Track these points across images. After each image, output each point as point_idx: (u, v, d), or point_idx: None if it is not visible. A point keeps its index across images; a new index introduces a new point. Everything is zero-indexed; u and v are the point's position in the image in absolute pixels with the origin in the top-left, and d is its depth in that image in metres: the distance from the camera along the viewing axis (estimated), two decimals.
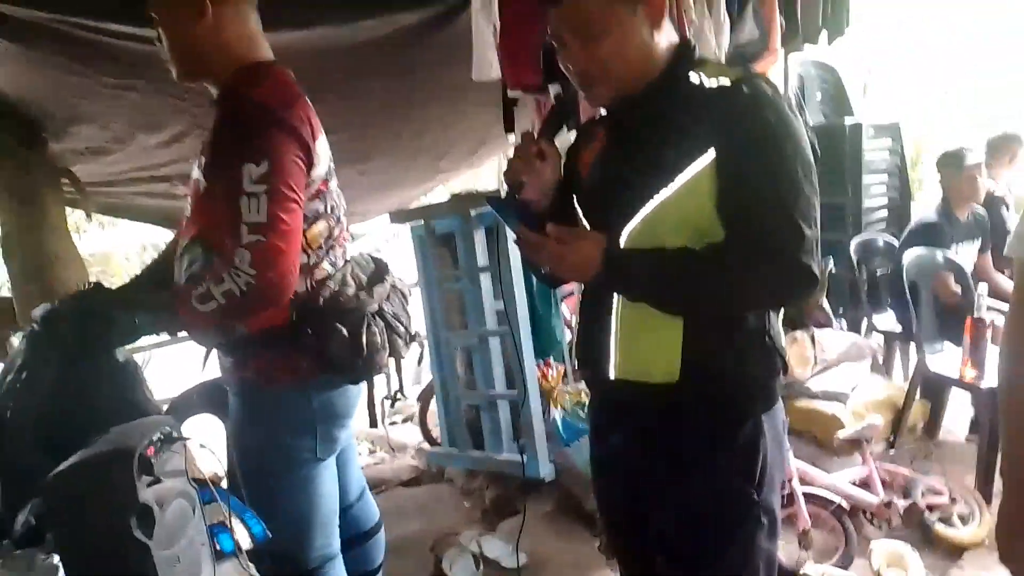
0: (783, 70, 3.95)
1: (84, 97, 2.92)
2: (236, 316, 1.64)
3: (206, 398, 2.27)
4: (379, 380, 4.20)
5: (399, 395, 2.50)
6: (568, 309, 3.83)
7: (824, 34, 3.90)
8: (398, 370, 2.12)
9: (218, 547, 1.47)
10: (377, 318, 1.79)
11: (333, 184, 1.77)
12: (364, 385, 1.93)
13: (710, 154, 1.26)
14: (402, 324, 1.87)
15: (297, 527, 1.79)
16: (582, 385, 3.37)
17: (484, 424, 3.37)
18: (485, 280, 3.29)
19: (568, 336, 3.68)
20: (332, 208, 1.76)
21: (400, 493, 3.61)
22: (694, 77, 1.34)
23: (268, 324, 1.69)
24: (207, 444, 1.57)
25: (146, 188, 4.07)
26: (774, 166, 1.25)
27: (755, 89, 1.27)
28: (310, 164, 1.63)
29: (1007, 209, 4.26)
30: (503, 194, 1.54)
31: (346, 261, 1.84)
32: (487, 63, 2.92)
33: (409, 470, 3.91)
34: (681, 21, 2.68)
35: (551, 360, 3.34)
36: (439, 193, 5.96)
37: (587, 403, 3.19)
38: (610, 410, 1.54)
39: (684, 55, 1.39)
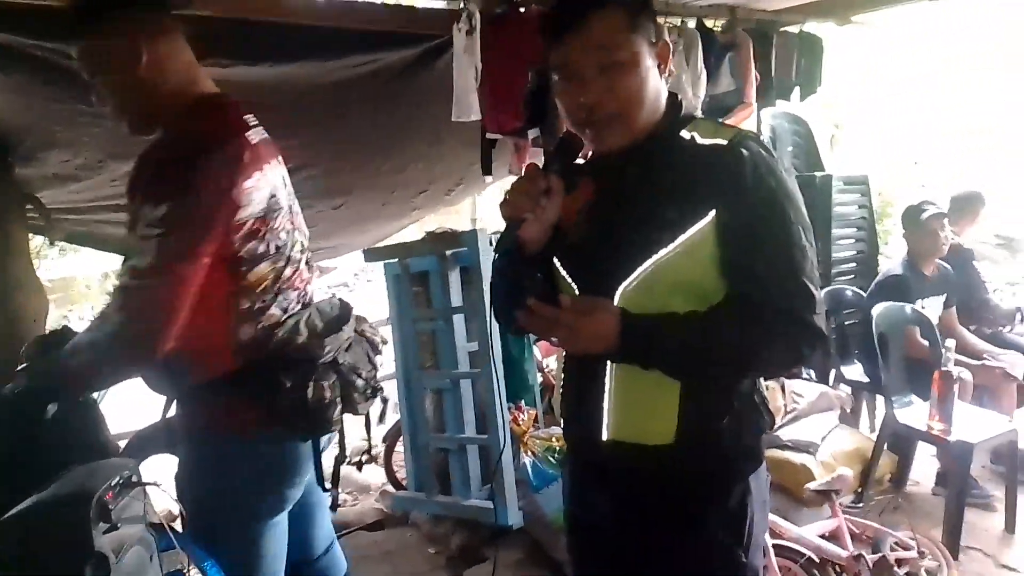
0: (755, 122, 4.03)
1: (60, 124, 2.87)
2: (106, 370, 1.51)
3: (167, 436, 2.19)
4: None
5: (365, 456, 2.32)
6: (540, 352, 3.81)
7: (797, 90, 4.01)
8: (366, 425, 1.99)
9: None
10: (330, 370, 1.66)
11: (280, 223, 1.63)
12: (323, 439, 1.78)
13: (711, 215, 1.25)
14: (361, 377, 1.73)
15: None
16: (553, 430, 3.33)
17: (453, 469, 3.31)
18: (459, 321, 3.25)
19: (540, 379, 3.65)
20: (278, 248, 1.63)
21: (364, 537, 3.51)
22: (686, 134, 1.32)
23: (215, 373, 1.59)
24: (163, 485, 1.50)
25: (110, 216, 3.99)
26: (781, 230, 1.26)
27: (752, 151, 1.27)
28: (233, 205, 1.51)
29: (975, 260, 4.36)
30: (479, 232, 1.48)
31: (305, 306, 1.72)
32: (468, 104, 2.94)
33: (373, 513, 3.81)
34: None
35: (523, 404, 3.30)
36: (410, 231, 5.94)
37: (557, 452, 3.16)
38: (596, 471, 1.47)
39: (675, 108, 1.38)
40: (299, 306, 1.70)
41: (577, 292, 1.38)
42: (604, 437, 1.38)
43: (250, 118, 1.64)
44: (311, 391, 1.60)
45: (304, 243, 1.76)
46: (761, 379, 1.42)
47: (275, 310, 1.64)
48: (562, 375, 1.52)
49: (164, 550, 1.43)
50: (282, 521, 1.74)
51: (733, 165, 1.26)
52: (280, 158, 1.70)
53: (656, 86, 1.32)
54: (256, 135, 1.60)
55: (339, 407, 1.66)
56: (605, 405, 1.37)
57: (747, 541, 1.36)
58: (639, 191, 1.33)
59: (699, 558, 1.36)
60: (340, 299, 1.87)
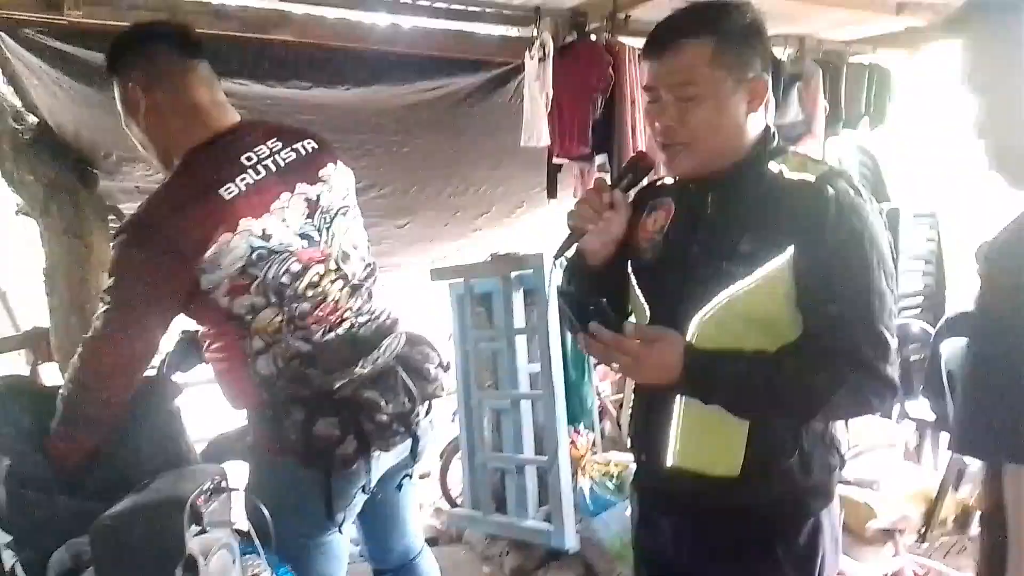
0: (821, 153, 4.00)
1: None
2: (71, 426, 1.56)
3: (241, 444, 2.26)
4: None
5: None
6: (597, 377, 3.81)
7: (866, 120, 3.97)
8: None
9: None
10: (342, 406, 1.62)
11: (277, 269, 1.58)
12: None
13: (789, 251, 1.23)
14: (384, 413, 1.66)
15: None
16: (611, 455, 3.32)
17: (509, 489, 3.32)
18: (521, 342, 3.28)
19: (598, 403, 3.65)
20: (279, 294, 1.59)
21: None
22: (774, 166, 1.31)
23: (247, 403, 1.68)
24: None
25: None
26: (860, 273, 1.24)
27: (839, 189, 1.24)
28: (186, 278, 1.54)
29: None
30: (554, 253, 1.48)
31: (339, 334, 1.67)
32: (537, 130, 2.99)
33: (426, 529, 3.83)
34: None
35: (581, 428, 3.30)
36: (470, 252, 6.00)
37: (614, 477, 3.15)
38: (662, 498, 1.46)
39: (766, 141, 1.36)
40: (332, 335, 1.66)
41: (649, 314, 1.39)
42: (668, 463, 1.36)
43: (252, 154, 1.62)
44: (317, 427, 1.60)
45: (344, 271, 1.70)
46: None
47: (296, 343, 1.62)
48: (632, 397, 1.52)
49: (244, 554, 1.48)
50: (331, 542, 1.73)
51: (816, 202, 1.24)
52: (296, 188, 1.65)
53: (737, 120, 1.31)
54: (236, 187, 1.57)
55: (355, 444, 1.62)
56: (672, 431, 1.36)
57: None
58: (720, 220, 1.33)
59: None
60: (385, 322, 1.79)
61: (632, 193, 1.47)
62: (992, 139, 1.09)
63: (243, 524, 1.53)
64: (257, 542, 1.44)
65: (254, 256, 1.56)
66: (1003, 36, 1.05)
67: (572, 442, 3.14)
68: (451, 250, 5.01)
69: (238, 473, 1.97)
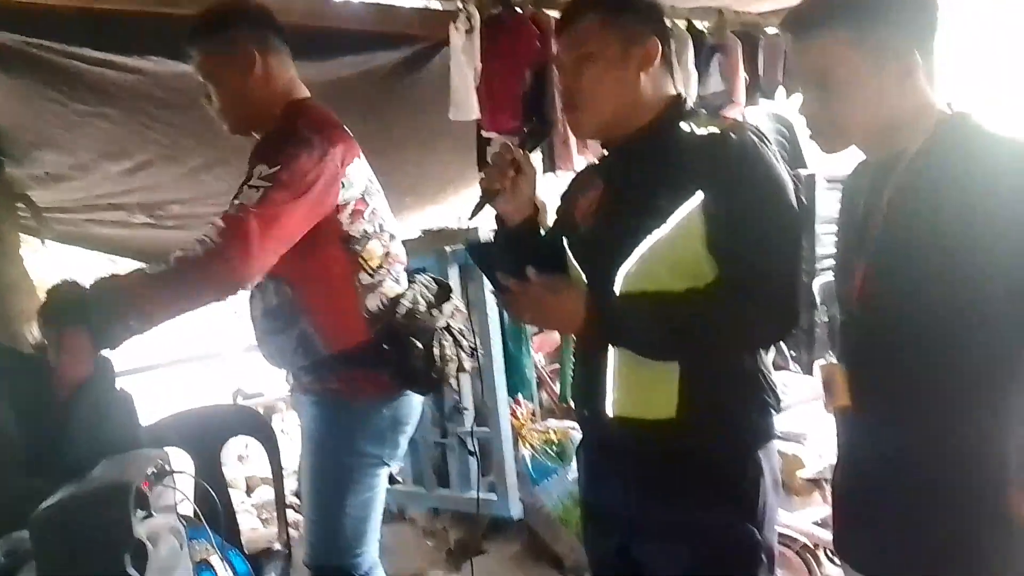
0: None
1: (55, 123, 2.86)
2: (181, 286, 1.60)
3: (178, 431, 2.21)
4: None
5: (462, 407, 2.65)
6: (534, 347, 3.84)
7: (781, 90, 4.09)
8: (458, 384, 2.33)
9: None
10: (446, 333, 1.94)
11: (377, 204, 1.87)
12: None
13: (698, 196, 1.31)
14: (466, 339, 2.02)
15: (356, 531, 1.93)
16: (550, 423, 3.38)
17: (451, 463, 3.34)
18: None
19: (536, 374, 3.69)
20: (380, 227, 1.87)
21: None
22: (685, 126, 1.40)
23: (351, 342, 1.82)
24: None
25: (101, 216, 3.97)
26: (761, 210, 1.32)
27: (742, 137, 1.33)
28: (334, 180, 1.73)
29: None
30: (479, 235, 1.58)
31: (412, 281, 1.99)
32: (466, 104, 2.98)
33: None
34: None
35: (520, 398, 3.33)
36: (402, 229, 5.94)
37: (555, 444, 3.20)
38: (606, 449, 1.53)
39: (677, 106, 1.46)
40: (407, 281, 1.98)
41: (586, 280, 1.46)
42: (610, 414, 1.43)
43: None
44: (437, 351, 1.88)
45: (396, 227, 1.98)
46: (765, 358, 1.47)
47: (389, 283, 1.89)
48: (572, 361, 1.60)
49: (191, 539, 1.45)
50: (383, 475, 1.99)
51: (721, 148, 1.33)
52: (361, 155, 1.90)
53: (629, 77, 1.42)
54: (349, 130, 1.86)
55: (455, 363, 1.94)
56: (608, 382, 1.43)
57: (761, 518, 1.40)
58: (636, 180, 1.42)
59: (714, 537, 1.40)
60: (432, 276, 2.11)
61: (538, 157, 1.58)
62: (813, 119, 1.27)
63: (188, 508, 1.50)
64: (207, 526, 1.42)
65: (369, 185, 1.86)
66: (840, 40, 1.19)
67: (512, 413, 3.18)
68: None
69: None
